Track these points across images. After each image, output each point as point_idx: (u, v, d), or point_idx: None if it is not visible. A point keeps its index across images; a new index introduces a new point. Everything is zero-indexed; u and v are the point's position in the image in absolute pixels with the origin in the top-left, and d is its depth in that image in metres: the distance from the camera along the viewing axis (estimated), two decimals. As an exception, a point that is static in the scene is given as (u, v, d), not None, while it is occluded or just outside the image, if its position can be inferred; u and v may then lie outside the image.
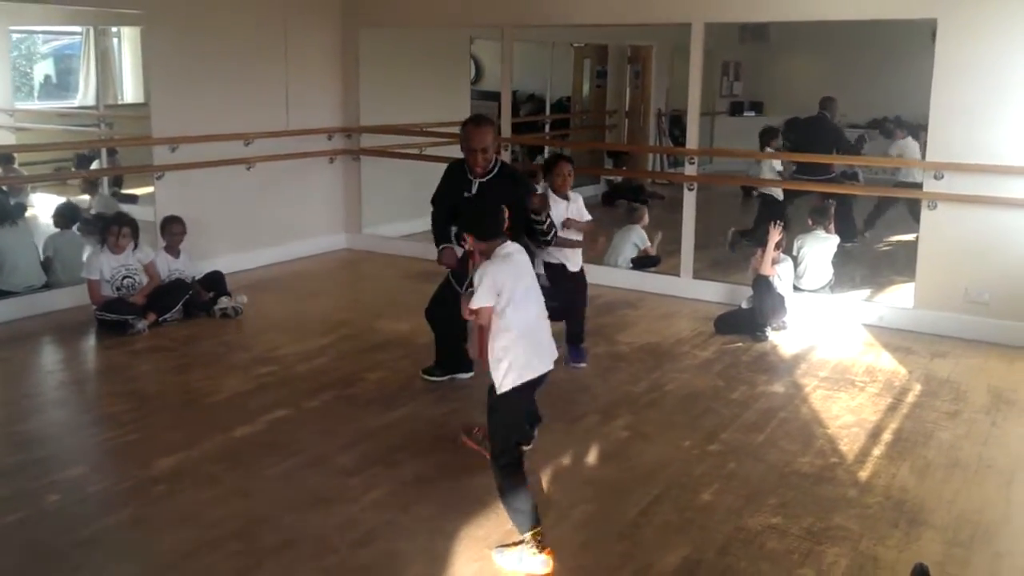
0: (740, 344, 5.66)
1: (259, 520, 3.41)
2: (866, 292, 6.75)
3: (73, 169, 8.53)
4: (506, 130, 7.60)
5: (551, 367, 3.39)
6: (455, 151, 4.92)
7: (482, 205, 3.63)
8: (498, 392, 3.24)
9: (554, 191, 5.09)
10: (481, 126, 4.21)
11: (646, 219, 7.50)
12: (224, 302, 6.22)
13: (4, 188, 8.70)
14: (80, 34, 10.48)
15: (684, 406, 4.67)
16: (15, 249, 6.34)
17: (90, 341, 5.70)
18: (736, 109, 14.43)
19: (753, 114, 14.37)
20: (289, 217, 8.04)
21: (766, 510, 3.55)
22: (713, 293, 6.70)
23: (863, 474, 3.92)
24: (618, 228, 7.51)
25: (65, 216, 7.21)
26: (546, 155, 11.31)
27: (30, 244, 6.54)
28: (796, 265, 6.56)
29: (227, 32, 7.34)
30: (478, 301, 3.18)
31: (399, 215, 8.59)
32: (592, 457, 4.05)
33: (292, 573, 3.07)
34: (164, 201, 7.05)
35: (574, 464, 3.97)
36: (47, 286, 6.39)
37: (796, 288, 6.48)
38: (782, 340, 5.79)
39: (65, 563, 3.07)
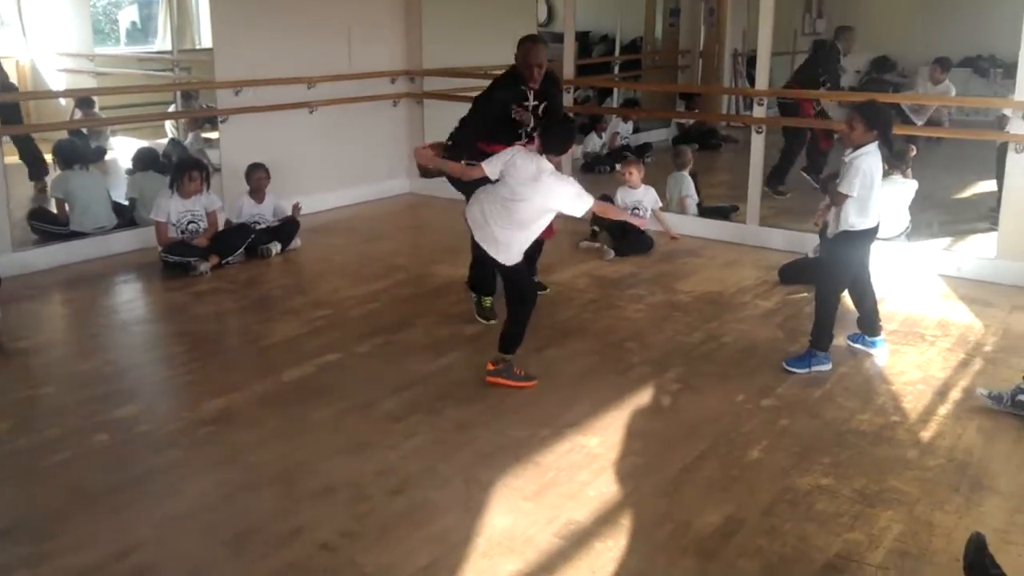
0: (805, 294, 5.42)
1: (299, 464, 3.43)
2: (946, 241, 6.40)
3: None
4: (568, 71, 7.37)
5: None
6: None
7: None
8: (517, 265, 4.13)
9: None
10: (537, 43, 4.82)
11: (691, 164, 7.22)
12: (272, 248, 6.29)
13: (84, 131, 8.99)
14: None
15: (740, 358, 4.51)
16: (87, 191, 6.49)
17: (155, 282, 5.81)
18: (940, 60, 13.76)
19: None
20: (352, 161, 8.03)
21: (817, 470, 3.40)
22: (780, 241, 6.45)
23: (925, 434, 3.72)
24: (669, 175, 7.29)
25: (144, 160, 7.38)
26: (617, 98, 11.04)
27: (102, 186, 6.69)
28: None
29: (288, -27, 7.28)
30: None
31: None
32: (640, 409, 3.95)
33: (327, 518, 3.08)
34: (228, 145, 7.12)
35: (621, 416, 3.87)
36: (119, 227, 6.55)
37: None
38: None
39: (104, 504, 3.14)
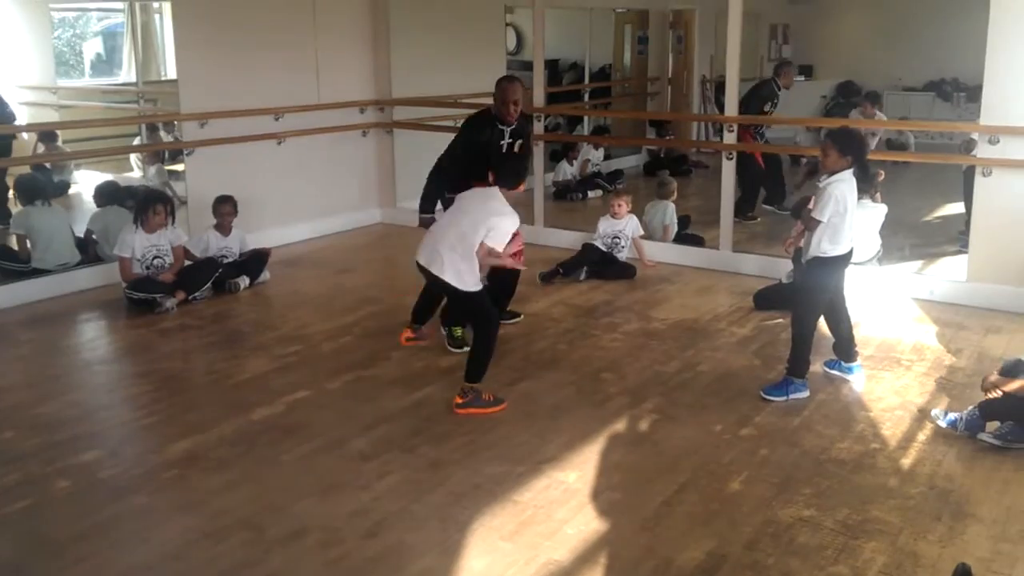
0: (780, 320, 5.40)
1: (269, 508, 3.32)
2: (917, 264, 6.43)
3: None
4: (539, 100, 7.37)
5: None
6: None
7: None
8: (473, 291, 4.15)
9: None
10: (514, 82, 4.95)
11: (675, 194, 7.24)
12: (241, 283, 6.19)
13: (47, 166, 8.84)
14: (122, 11, 10.50)
15: (717, 387, 4.47)
16: (49, 227, 6.33)
17: (119, 320, 5.67)
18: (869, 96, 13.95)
19: (803, 78, 13.86)
20: (322, 192, 7.95)
21: (799, 501, 3.35)
22: (753, 266, 6.44)
23: (905, 461, 3.69)
24: (649, 202, 7.29)
25: (105, 194, 7.23)
26: (588, 125, 11.07)
27: (64, 222, 6.53)
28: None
29: (255, 4, 7.21)
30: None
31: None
32: (618, 441, 3.88)
33: (298, 565, 2.97)
34: (194, 178, 7.01)
35: (599, 449, 3.80)
36: (82, 264, 6.40)
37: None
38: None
39: (67, 554, 3.02)
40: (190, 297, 5.85)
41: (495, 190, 4.24)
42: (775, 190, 8.30)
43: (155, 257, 5.88)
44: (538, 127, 7.40)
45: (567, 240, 7.12)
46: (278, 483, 3.52)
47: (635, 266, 6.47)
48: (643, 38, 11.84)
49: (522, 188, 4.36)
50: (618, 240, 6.52)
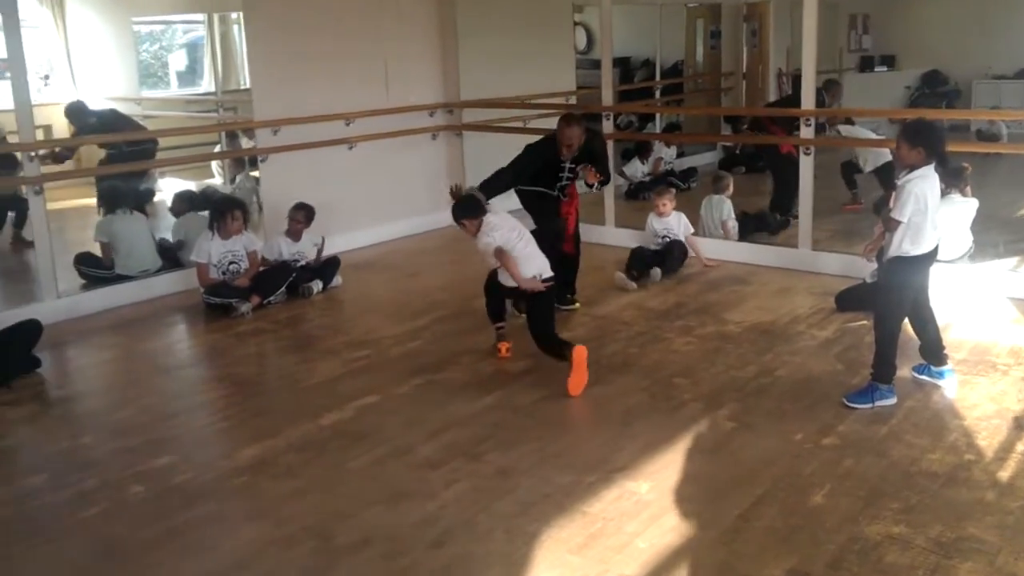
0: (864, 322, 5.15)
1: (336, 516, 3.29)
2: (1012, 261, 6.08)
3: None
4: (607, 99, 7.23)
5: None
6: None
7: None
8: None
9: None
10: (571, 125, 5.23)
11: (731, 189, 7.05)
12: (314, 287, 6.24)
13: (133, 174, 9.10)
14: (203, 22, 10.76)
15: (797, 394, 4.28)
16: (131, 234, 6.51)
17: (198, 325, 5.77)
18: (866, 64, 13.46)
19: (885, 69, 13.38)
20: (392, 196, 7.97)
21: (887, 516, 3.16)
22: (835, 266, 6.18)
23: (1003, 474, 3.45)
24: (704, 199, 7.13)
25: (184, 202, 7.41)
26: (660, 123, 10.87)
27: (145, 229, 6.70)
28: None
29: (325, 12, 7.28)
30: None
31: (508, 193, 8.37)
32: (693, 450, 3.74)
33: (364, 574, 2.93)
34: (268, 184, 7.11)
35: (673, 458, 3.66)
36: (163, 270, 6.54)
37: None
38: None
39: (136, 562, 3.04)
40: (265, 301, 5.91)
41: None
42: (783, 198, 7.87)
43: (231, 262, 5.97)
44: (608, 126, 7.27)
45: (639, 241, 6.96)
46: (345, 490, 3.50)
47: (685, 250, 6.46)
48: (716, 32, 11.58)
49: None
50: (667, 238, 6.48)
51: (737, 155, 10.71)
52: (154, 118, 11.04)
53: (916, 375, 4.36)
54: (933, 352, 4.29)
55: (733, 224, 6.95)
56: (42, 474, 3.72)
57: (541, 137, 5.61)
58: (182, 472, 3.69)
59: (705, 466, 3.60)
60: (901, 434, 3.80)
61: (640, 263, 6.25)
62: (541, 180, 5.44)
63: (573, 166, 5.39)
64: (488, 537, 3.12)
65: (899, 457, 3.60)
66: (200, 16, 10.71)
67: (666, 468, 3.58)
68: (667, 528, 3.14)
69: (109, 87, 10.27)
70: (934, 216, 3.99)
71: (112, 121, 8.04)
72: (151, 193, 9.11)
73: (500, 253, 4.63)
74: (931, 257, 4.08)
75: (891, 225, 3.99)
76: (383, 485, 3.53)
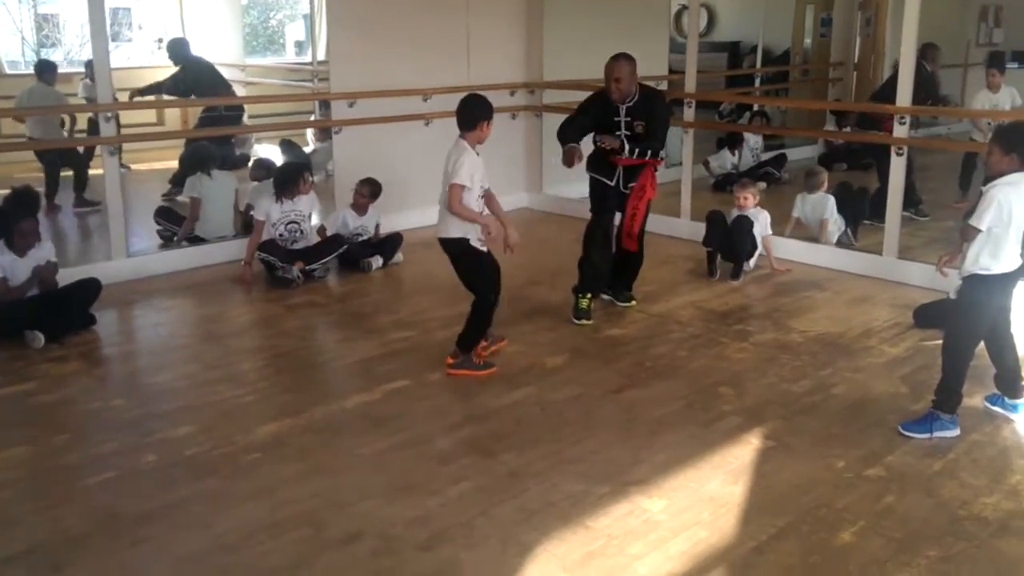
0: (940, 342, 4.73)
1: (333, 505, 3.21)
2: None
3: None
4: (690, 85, 6.89)
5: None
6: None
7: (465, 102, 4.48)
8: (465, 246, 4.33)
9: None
10: (618, 60, 4.96)
11: (825, 185, 6.58)
12: (374, 263, 6.19)
13: (231, 139, 9.35)
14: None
15: (849, 415, 3.95)
16: (217, 196, 6.59)
17: (256, 292, 5.79)
18: (995, 60, 12.48)
19: (1016, 65, 12.36)
20: (467, 174, 7.84)
21: (920, 564, 2.85)
22: (921, 276, 5.71)
23: (1067, 529, 3.08)
24: (798, 196, 6.71)
25: (262, 168, 7.52)
26: (753, 110, 10.38)
27: (231, 193, 6.74)
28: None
29: (408, -16, 7.19)
30: None
31: (582, 175, 8.13)
32: (720, 469, 3.48)
33: (345, 571, 2.84)
34: (342, 156, 7.10)
35: (696, 476, 3.42)
36: (238, 236, 6.57)
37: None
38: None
39: (127, 535, 3.02)
40: (308, 269, 5.88)
41: (463, 142, 4.27)
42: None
43: (291, 222, 5.97)
44: (689, 114, 6.95)
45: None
46: (349, 478, 3.41)
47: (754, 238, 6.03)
48: (827, 19, 10.94)
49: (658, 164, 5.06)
50: None
51: (839, 149, 10.12)
52: (254, 84, 11.32)
53: (988, 405, 3.96)
54: (1009, 383, 3.89)
55: (832, 225, 6.49)
56: (65, 434, 3.78)
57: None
58: (198, 444, 3.68)
59: (729, 488, 3.35)
60: (957, 471, 3.45)
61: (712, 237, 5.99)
62: (600, 158, 5.17)
63: (629, 119, 5.02)
64: (481, 544, 2.97)
65: (949, 497, 3.26)
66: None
67: (686, 486, 3.34)
68: (672, 554, 2.92)
69: (217, 53, 10.48)
70: (1019, 230, 3.59)
71: (206, 72, 8.22)
72: (247, 158, 9.31)
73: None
74: (1015, 277, 3.68)
75: (968, 234, 3.62)
76: (389, 476, 3.42)
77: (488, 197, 4.38)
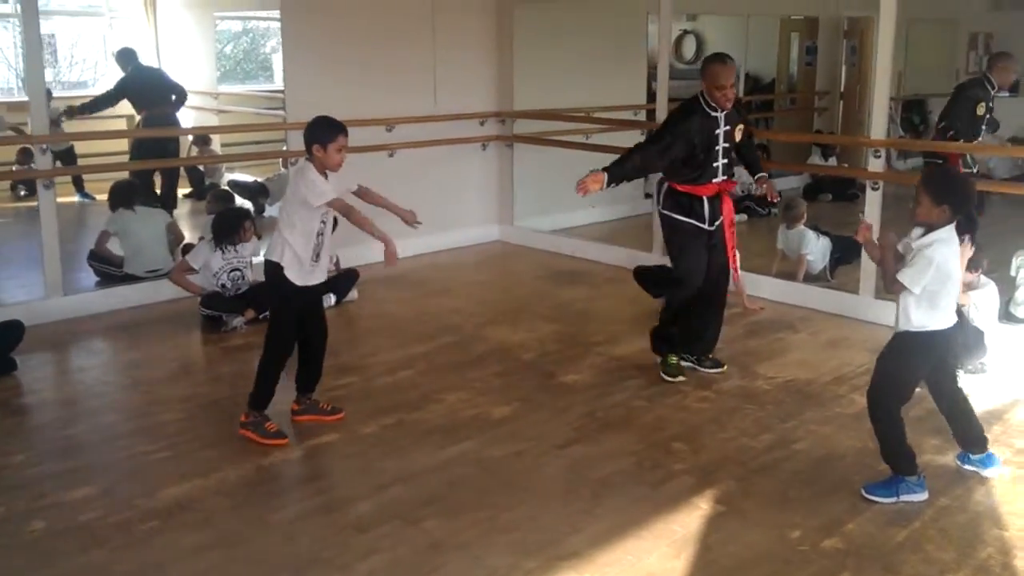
0: (917, 389, 4.41)
1: (227, 584, 2.88)
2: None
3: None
4: (662, 113, 6.62)
5: None
6: (628, 138, 5.51)
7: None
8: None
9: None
10: (728, 64, 4.31)
11: (804, 219, 6.34)
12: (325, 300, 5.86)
13: (200, 168, 9.24)
14: (278, 19, 10.70)
15: (811, 475, 3.63)
16: (133, 233, 6.28)
17: (192, 334, 5.46)
18: (986, 90, 12.28)
19: (1006, 95, 12.15)
20: (436, 207, 7.48)
21: (874, 658, 2.53)
22: (898, 318, 5.41)
23: (1043, 614, 2.75)
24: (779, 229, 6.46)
25: (219, 200, 7.26)
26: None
27: (153, 230, 6.40)
28: (1015, 289, 5.23)
29: (369, 11, 6.95)
30: None
31: (555, 207, 7.89)
32: (662, 539, 3.15)
33: (224, 666, 2.51)
34: (299, 189, 6.83)
35: (635, 547, 3.10)
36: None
37: (1012, 317, 5.13)
38: (976, 390, 4.42)
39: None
40: (260, 315, 5.58)
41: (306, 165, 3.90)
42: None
43: (234, 269, 5.67)
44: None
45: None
46: (251, 551, 3.09)
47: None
48: (812, 48, 10.73)
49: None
50: None
51: (824, 180, 9.87)
52: (226, 113, 11.11)
53: (960, 464, 3.64)
54: (972, 438, 3.58)
55: (811, 260, 6.26)
56: (-49, 496, 3.46)
57: (683, 101, 4.51)
58: (92, 509, 3.35)
59: (670, 563, 3.02)
60: (922, 542, 3.12)
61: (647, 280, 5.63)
62: (688, 171, 4.34)
63: (728, 128, 4.33)
64: (382, 632, 2.65)
65: (911, 574, 2.93)
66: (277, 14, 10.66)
67: (622, 560, 3.01)
68: (596, 644, 2.60)
69: (191, 81, 10.28)
70: (957, 284, 3.31)
71: (153, 78, 8.27)
72: (216, 187, 9.08)
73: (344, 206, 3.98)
74: (949, 334, 3.36)
75: (896, 288, 3.30)
76: (296, 548, 3.10)
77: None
